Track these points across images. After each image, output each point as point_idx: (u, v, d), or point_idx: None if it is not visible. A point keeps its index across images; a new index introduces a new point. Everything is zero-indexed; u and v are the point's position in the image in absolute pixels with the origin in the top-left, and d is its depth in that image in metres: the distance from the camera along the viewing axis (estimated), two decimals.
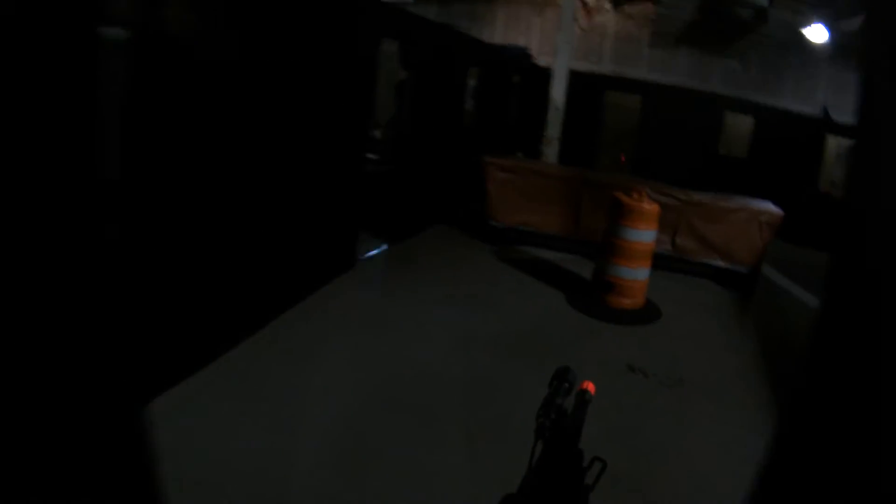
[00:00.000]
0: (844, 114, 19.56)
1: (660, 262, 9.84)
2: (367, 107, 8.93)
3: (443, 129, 11.67)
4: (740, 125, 18.89)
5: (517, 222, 11.40)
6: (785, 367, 7.97)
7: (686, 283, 10.83)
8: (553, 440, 1.99)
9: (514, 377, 6.60)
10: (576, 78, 15.86)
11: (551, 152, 13.55)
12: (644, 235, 8.89)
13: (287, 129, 6.84)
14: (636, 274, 8.96)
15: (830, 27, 15.55)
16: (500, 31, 20.15)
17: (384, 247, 10.20)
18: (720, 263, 10.93)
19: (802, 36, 16.83)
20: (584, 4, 19.44)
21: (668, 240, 10.75)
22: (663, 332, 8.65)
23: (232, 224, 6.13)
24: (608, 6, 19.52)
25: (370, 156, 10.82)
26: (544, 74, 15.63)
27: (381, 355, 6.70)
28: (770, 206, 10.86)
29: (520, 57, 18.03)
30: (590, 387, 2.18)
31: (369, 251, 9.88)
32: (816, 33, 15.96)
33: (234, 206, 6.12)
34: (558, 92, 13.52)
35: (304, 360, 6.34)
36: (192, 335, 5.67)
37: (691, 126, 18.52)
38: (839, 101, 19.66)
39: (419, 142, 10.72)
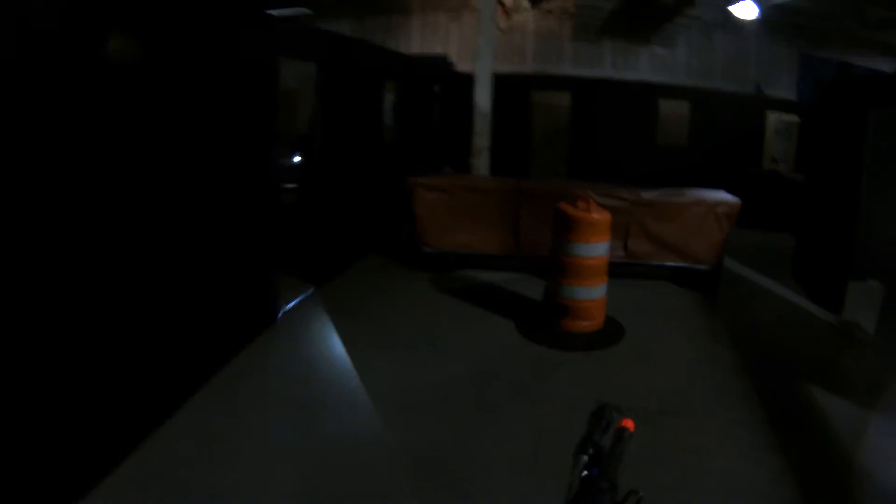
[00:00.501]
0: (778, 88, 18.92)
1: (614, 269, 8.68)
2: (268, 131, 7.58)
3: (362, 150, 10.45)
4: (676, 112, 17.93)
5: (453, 245, 10.13)
6: (764, 375, 6.97)
7: (646, 290, 9.70)
8: (589, 477, 2.02)
9: (468, 438, 5.48)
10: (500, 81, 14.88)
11: (481, 163, 12.27)
12: (597, 249, 7.70)
13: (166, 163, 5.56)
14: (592, 293, 7.76)
15: (759, 2, 14.66)
16: (417, 42, 19.09)
17: (309, 291, 8.88)
18: (679, 263, 9.82)
19: (730, 14, 15.96)
20: (502, 4, 18.45)
21: (619, 245, 9.61)
22: (630, 353, 7.49)
23: (106, 290, 4.80)
24: (526, 4, 18.53)
25: (288, 185, 9.63)
26: (467, 81, 14.50)
27: (310, 438, 5.42)
28: (725, 196, 9.86)
29: (439, 66, 16.97)
30: (629, 424, 2.18)
31: (292, 299, 8.55)
32: (745, 10, 15.05)
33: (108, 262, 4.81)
34: (483, 97, 12.25)
35: (214, 461, 5.01)
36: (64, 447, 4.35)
37: (626, 118, 17.49)
38: (771, 76, 18.99)
39: (336, 166, 9.45)
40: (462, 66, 17.53)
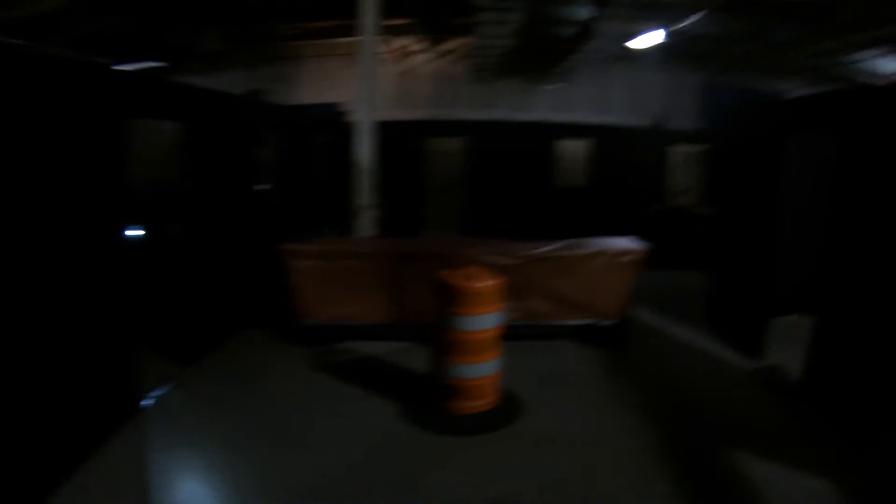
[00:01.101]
0: (680, 119, 18.23)
1: (511, 332, 7.61)
2: (114, 195, 6.40)
3: (233, 212, 9.23)
4: (574, 151, 17.02)
5: (333, 317, 8.87)
6: (682, 447, 6.09)
7: (547, 353, 8.61)
8: None
9: None
10: (394, 128, 14.13)
11: (365, 223, 10.93)
12: (485, 321, 6.56)
13: None
14: (483, 370, 6.63)
15: (665, 31, 13.87)
16: (311, 90, 17.96)
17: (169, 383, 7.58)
18: (583, 321, 8.79)
19: (631, 46, 15.18)
20: (395, 48, 17.45)
21: (516, 306, 8.53)
22: (530, 433, 6.41)
23: None
24: (422, 46, 17.53)
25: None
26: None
27: None
28: (630, 244, 8.94)
29: (329, 115, 15.82)
30: None
31: (155, 386, 7.27)
32: (648, 38, 14.21)
33: None
34: (364, 150, 10.93)
35: None
36: None
37: (522, 161, 16.53)
38: (673, 106, 18.31)
39: (201, 229, 8.28)
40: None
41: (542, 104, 17.88)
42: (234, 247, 9.21)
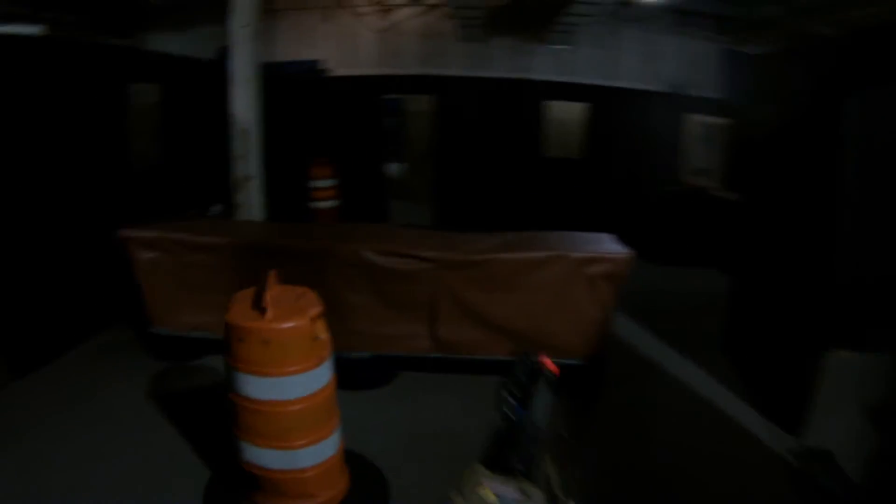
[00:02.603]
0: (699, 87, 15.28)
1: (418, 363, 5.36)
2: None
3: (90, 184, 6.97)
4: (569, 116, 13.81)
5: (184, 326, 6.05)
6: None
7: (472, 394, 5.63)
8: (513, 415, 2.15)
9: None
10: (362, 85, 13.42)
11: (252, 198, 7.51)
12: (295, 385, 3.70)
13: None
14: (299, 459, 3.74)
15: None
16: (286, 46, 15.31)
17: None
18: None
19: (640, 4, 12.73)
20: (379, 1, 14.73)
21: (422, 332, 5.65)
22: None
23: None
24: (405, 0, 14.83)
25: None
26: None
27: None
28: (609, 246, 5.78)
29: (307, 73, 13.89)
30: (549, 364, 2.28)
31: None
32: None
33: None
34: (242, 105, 7.64)
35: None
36: None
37: (503, 125, 13.28)
38: (691, 74, 15.42)
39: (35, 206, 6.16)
40: (341, 70, 14.62)
41: (542, 65, 15.01)
42: (88, 222, 6.90)
